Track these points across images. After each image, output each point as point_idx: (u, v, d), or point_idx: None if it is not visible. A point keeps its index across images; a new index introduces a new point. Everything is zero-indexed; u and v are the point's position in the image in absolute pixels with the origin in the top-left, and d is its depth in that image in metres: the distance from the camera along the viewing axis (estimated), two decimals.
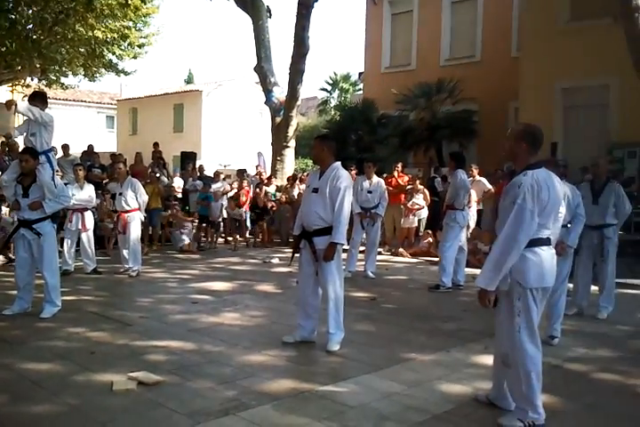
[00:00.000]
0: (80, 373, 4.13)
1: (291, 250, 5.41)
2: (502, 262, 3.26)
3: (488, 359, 4.07)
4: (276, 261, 10.07)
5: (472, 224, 9.78)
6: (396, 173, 11.46)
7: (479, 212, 10.90)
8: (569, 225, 5.43)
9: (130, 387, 3.81)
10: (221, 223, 12.72)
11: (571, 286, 5.98)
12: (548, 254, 3.37)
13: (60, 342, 4.90)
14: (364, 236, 9.01)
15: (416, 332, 5.52)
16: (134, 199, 8.42)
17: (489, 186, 10.96)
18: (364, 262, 8.86)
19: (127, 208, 8.40)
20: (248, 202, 12.72)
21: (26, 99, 28.44)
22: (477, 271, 8.61)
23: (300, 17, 15.15)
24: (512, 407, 3.48)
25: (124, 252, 8.51)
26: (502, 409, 3.55)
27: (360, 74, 21.44)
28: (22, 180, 5.86)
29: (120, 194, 8.46)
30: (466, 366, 4.47)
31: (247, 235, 13.60)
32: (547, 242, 3.38)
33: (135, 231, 8.47)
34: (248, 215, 13.37)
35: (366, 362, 4.52)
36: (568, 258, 5.49)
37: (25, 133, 5.99)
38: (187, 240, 11.41)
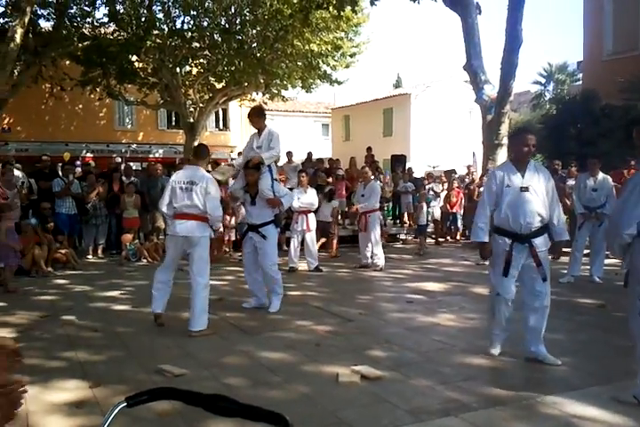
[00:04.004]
0: (308, 363, 4.45)
1: None
2: None
3: None
4: (489, 263, 9.76)
5: None
6: (625, 170, 10.42)
7: None
8: None
9: (354, 380, 4.01)
10: (429, 224, 12.75)
11: None
12: None
13: (289, 334, 5.33)
14: (588, 238, 8.37)
15: None
16: (376, 201, 9.16)
17: None
18: (588, 267, 8.25)
19: (369, 208, 9.11)
20: (460, 202, 12.55)
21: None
22: None
23: (512, 9, 14.52)
24: None
25: (364, 249, 9.26)
26: None
27: (579, 63, 19.93)
28: (249, 189, 6.34)
29: (362, 196, 9.09)
30: None
31: (458, 236, 13.46)
32: None
33: (375, 230, 9.14)
34: (459, 216, 13.21)
35: (595, 373, 4.21)
36: None
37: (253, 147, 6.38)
38: None
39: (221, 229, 10.57)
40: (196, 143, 19.51)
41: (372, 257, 9.32)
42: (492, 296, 4.71)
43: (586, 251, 8.49)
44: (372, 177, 9.91)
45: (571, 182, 10.91)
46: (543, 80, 38.45)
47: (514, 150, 4.67)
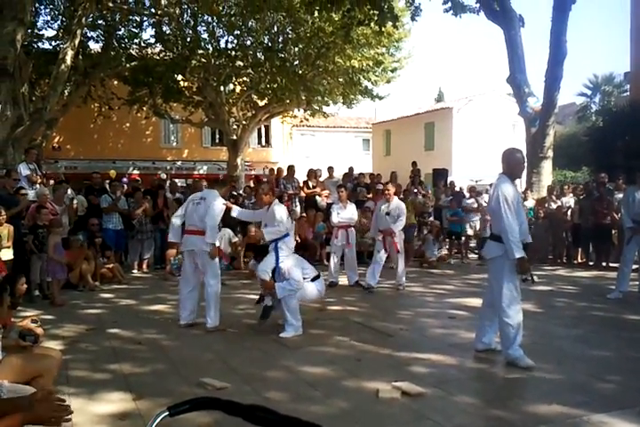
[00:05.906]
0: (348, 378, 4.42)
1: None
2: None
3: None
4: (535, 278, 9.54)
5: None
6: None
7: None
8: None
9: (394, 396, 3.96)
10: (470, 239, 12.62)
11: None
12: None
13: (329, 349, 5.32)
14: (637, 253, 8.14)
15: None
16: (401, 220, 8.77)
17: None
18: (637, 282, 8.01)
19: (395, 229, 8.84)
20: None
21: (293, 129, 31.13)
22: None
23: (556, 21, 14.36)
24: None
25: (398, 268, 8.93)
26: None
27: (626, 74, 19.51)
28: None
29: (387, 214, 8.92)
30: None
31: None
32: None
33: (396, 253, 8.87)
34: None
35: None
36: None
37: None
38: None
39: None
40: (238, 160, 19.88)
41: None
42: (514, 304, 4.76)
43: (634, 266, 8.25)
44: (415, 190, 9.67)
45: (619, 196, 10.64)
46: (589, 92, 37.73)
47: (516, 167, 5.07)
